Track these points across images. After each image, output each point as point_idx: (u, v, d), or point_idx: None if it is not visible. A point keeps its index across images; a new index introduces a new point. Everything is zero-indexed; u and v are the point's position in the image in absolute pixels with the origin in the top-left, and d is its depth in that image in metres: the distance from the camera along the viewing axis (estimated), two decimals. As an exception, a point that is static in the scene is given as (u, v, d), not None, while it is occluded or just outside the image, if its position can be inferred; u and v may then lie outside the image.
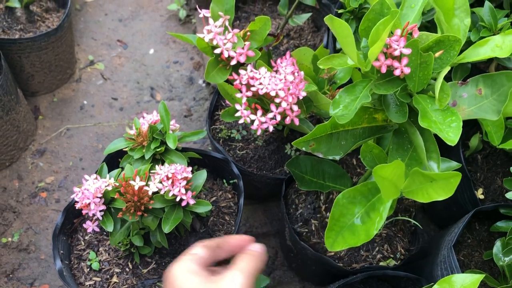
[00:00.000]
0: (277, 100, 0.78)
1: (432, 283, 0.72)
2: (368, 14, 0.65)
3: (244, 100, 0.80)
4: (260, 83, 0.79)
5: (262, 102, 0.84)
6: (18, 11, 1.35)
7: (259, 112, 0.80)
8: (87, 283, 0.86)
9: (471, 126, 1.10)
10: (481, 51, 0.64)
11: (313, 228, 0.96)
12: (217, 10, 0.85)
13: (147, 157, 0.82)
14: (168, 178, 0.75)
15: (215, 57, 0.83)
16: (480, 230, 0.99)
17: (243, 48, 0.81)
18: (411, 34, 0.63)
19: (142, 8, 1.75)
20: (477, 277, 0.66)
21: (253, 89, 0.79)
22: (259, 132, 0.81)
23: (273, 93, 0.78)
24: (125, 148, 0.85)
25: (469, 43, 0.89)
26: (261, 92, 0.79)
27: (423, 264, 0.99)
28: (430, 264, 0.95)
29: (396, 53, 0.60)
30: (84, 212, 0.75)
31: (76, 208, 0.76)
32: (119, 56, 1.60)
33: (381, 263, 0.93)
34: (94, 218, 0.76)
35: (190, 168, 0.79)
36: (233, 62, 0.81)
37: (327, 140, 0.70)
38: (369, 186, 0.71)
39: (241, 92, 0.81)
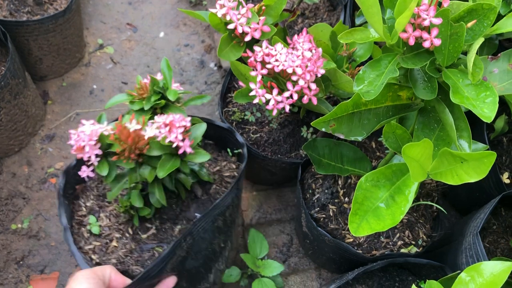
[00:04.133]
0: (294, 78, 0.74)
1: (459, 271, 0.68)
2: (394, -18, 0.60)
3: (259, 78, 0.77)
4: (276, 60, 0.75)
5: (277, 81, 0.80)
6: (25, -7, 1.31)
7: (275, 91, 0.76)
8: (86, 247, 0.85)
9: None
10: (518, 20, 0.59)
11: (331, 214, 0.92)
12: (230, -16, 0.80)
13: (146, 108, 0.79)
14: (165, 125, 0.73)
15: (228, 33, 0.79)
16: (507, 216, 0.94)
17: (258, 23, 0.77)
18: (440, 4, 0.59)
19: (152, -10, 1.71)
20: (508, 265, 0.63)
21: (268, 66, 0.75)
22: (274, 113, 0.77)
23: (290, 70, 0.74)
24: (126, 101, 0.83)
25: (498, 17, 0.84)
26: (277, 70, 0.75)
27: (445, 251, 0.95)
28: (453, 251, 0.91)
29: (426, 23, 0.55)
30: (79, 155, 0.72)
31: (72, 152, 0.73)
32: (129, 39, 1.56)
33: (402, 250, 0.89)
34: (89, 163, 0.74)
35: (189, 118, 0.76)
36: (248, 38, 0.77)
37: (349, 120, 0.66)
38: (394, 168, 0.67)
39: (255, 69, 0.77)
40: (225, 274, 1.07)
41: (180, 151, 0.73)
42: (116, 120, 0.85)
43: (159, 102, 0.81)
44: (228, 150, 0.95)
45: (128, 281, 0.74)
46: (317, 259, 1.07)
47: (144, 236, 0.85)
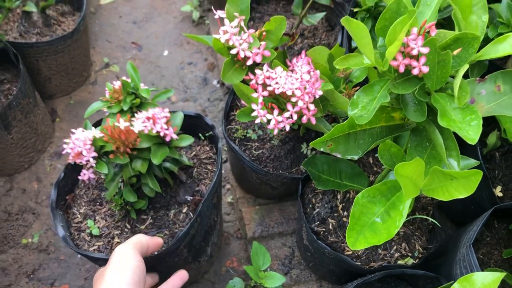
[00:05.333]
0: (293, 99, 0.79)
1: (452, 281, 0.71)
2: (385, 13, 0.65)
3: (260, 99, 0.81)
4: (277, 83, 0.79)
5: (278, 101, 0.84)
6: (34, 15, 1.37)
7: (276, 112, 0.80)
8: (91, 249, 0.90)
9: (488, 123, 1.09)
10: (500, 47, 0.63)
11: (331, 227, 0.96)
12: (232, 10, 0.85)
13: (125, 108, 0.86)
14: (149, 119, 0.80)
15: (231, 58, 0.84)
16: (499, 228, 0.98)
17: (259, 48, 0.81)
18: (428, 32, 0.63)
19: (156, 10, 1.76)
20: (498, 276, 0.66)
21: (269, 88, 0.80)
22: (275, 132, 0.81)
23: (289, 93, 0.78)
24: (104, 107, 0.90)
25: (486, 40, 0.88)
26: (277, 92, 0.79)
27: (441, 263, 0.98)
28: (448, 262, 0.94)
29: (414, 52, 0.60)
30: (78, 161, 0.78)
31: (69, 162, 0.80)
32: (134, 58, 1.61)
33: (399, 262, 0.92)
34: (88, 166, 0.80)
35: (167, 109, 0.83)
36: (249, 62, 0.81)
37: (345, 140, 0.70)
38: (388, 185, 0.71)
39: (257, 92, 0.81)
40: (229, 285, 1.10)
41: (167, 139, 0.81)
42: (99, 125, 0.94)
43: (134, 101, 0.88)
44: (200, 135, 1.03)
45: (160, 240, 0.79)
46: (318, 271, 1.11)
47: (142, 227, 0.91)
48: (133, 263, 0.67)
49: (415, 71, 0.60)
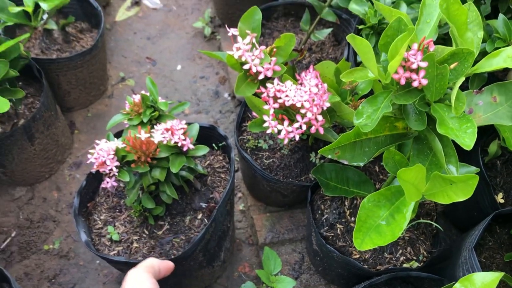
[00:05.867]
0: (302, 111, 0.84)
1: (454, 282, 0.75)
2: (387, 30, 0.70)
3: (271, 111, 0.86)
4: (287, 95, 0.85)
5: (288, 113, 0.90)
6: (55, 33, 1.44)
7: (286, 122, 0.86)
8: (111, 253, 0.95)
9: (490, 133, 1.13)
10: (494, 61, 0.68)
11: (339, 232, 1.01)
12: (244, 28, 0.91)
13: (145, 120, 0.93)
14: (167, 130, 0.86)
15: (244, 72, 0.89)
16: (501, 233, 1.02)
17: (270, 63, 0.87)
18: (427, 48, 0.68)
19: (169, 26, 1.84)
20: (497, 275, 0.70)
21: (279, 101, 0.85)
22: (286, 141, 0.86)
23: (299, 105, 0.83)
24: (124, 120, 0.96)
25: (484, 54, 0.93)
26: (287, 104, 0.84)
27: (445, 266, 1.02)
28: (451, 266, 0.98)
29: (414, 66, 0.65)
30: (101, 170, 0.85)
31: (93, 171, 0.88)
32: (149, 72, 1.68)
33: (404, 265, 0.97)
34: (111, 174, 0.87)
35: (184, 121, 0.90)
36: (261, 77, 0.87)
37: (351, 148, 0.75)
38: (393, 190, 0.76)
39: (268, 104, 0.86)
40: (241, 290, 1.15)
41: (185, 148, 0.88)
42: (119, 136, 1.00)
43: (153, 114, 0.94)
44: (214, 145, 1.09)
45: (171, 264, 0.76)
46: (327, 275, 1.15)
47: (159, 232, 0.97)
48: (148, 285, 0.66)
49: (415, 84, 0.65)
